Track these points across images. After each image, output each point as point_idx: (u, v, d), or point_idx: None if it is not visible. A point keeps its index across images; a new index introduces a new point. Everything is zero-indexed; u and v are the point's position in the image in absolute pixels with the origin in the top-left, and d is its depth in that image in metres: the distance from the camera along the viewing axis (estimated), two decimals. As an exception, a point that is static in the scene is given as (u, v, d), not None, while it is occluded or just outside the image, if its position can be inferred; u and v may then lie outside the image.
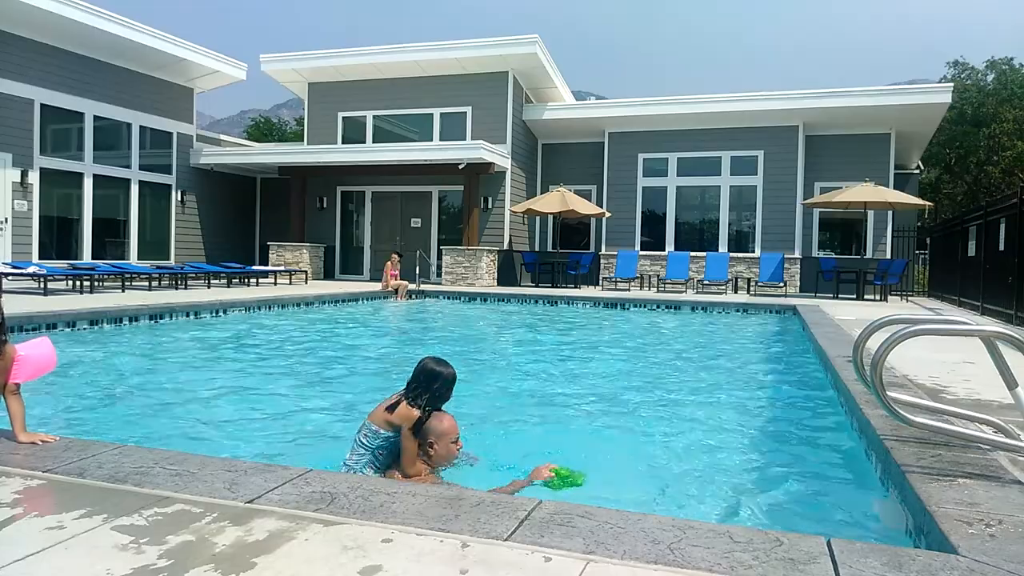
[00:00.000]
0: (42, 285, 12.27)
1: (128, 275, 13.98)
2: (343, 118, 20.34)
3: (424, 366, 3.54)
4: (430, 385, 3.45)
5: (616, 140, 19.63)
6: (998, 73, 34.68)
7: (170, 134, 18.53)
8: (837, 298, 15.99)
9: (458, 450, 3.53)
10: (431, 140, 19.26)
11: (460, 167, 17.81)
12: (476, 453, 3.95)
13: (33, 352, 3.20)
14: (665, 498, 3.67)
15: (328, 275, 20.30)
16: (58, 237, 16.09)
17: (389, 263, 16.05)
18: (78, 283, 13.17)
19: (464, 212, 18.51)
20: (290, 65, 20.02)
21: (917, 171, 23.26)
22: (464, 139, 18.73)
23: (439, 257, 19.19)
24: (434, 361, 3.57)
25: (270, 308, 12.24)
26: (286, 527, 2.21)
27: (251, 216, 22.14)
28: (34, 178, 15.18)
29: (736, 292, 17.56)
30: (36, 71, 15.11)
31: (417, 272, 17.03)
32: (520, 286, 18.41)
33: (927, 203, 17.79)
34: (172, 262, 18.32)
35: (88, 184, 16.45)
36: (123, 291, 13.04)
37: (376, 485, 2.62)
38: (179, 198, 18.89)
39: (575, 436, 4.87)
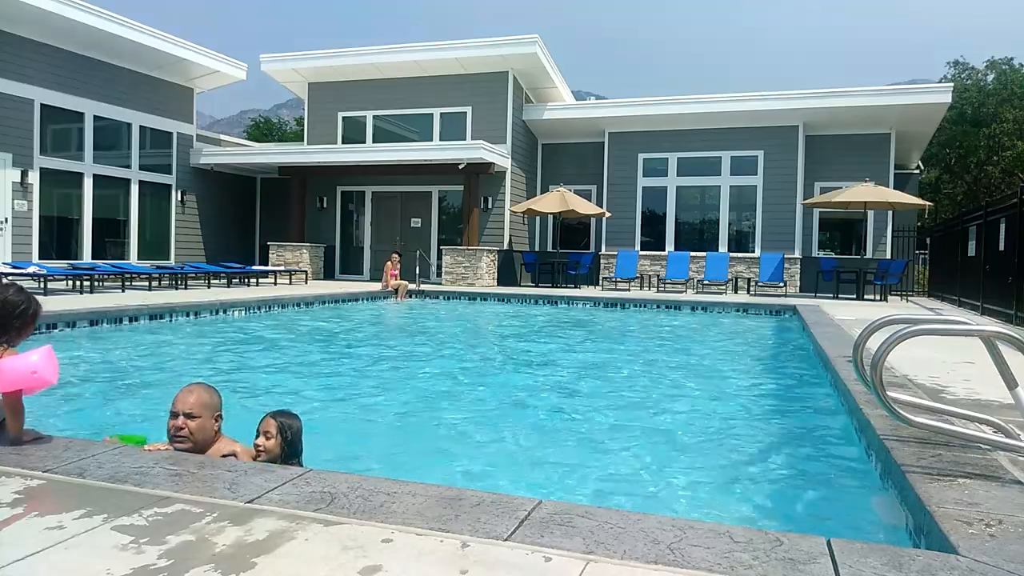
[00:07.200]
0: (42, 285, 12.26)
1: (128, 275, 13.99)
2: (343, 118, 20.34)
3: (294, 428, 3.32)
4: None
5: (616, 140, 19.62)
6: (998, 73, 34.63)
7: (170, 134, 18.53)
8: (837, 298, 15.99)
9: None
10: (431, 140, 19.26)
11: (460, 167, 17.81)
12: (477, 451, 3.94)
13: (10, 364, 2.92)
14: (665, 498, 3.67)
15: (328, 275, 20.30)
16: (58, 237, 16.08)
17: (389, 263, 16.07)
18: (78, 283, 13.17)
19: (464, 212, 18.51)
20: (290, 65, 20.02)
21: (917, 171, 23.25)
22: (464, 139, 18.73)
23: (439, 257, 19.19)
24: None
25: (270, 308, 12.24)
26: (286, 527, 2.21)
27: (251, 216, 22.14)
28: (34, 178, 15.17)
29: (736, 292, 17.56)
30: (36, 71, 15.10)
31: (417, 272, 17.04)
32: (520, 286, 18.40)
33: (927, 203, 17.77)
34: (172, 262, 18.31)
35: (88, 184, 16.44)
36: (123, 291, 13.05)
37: (376, 485, 2.62)
38: (179, 198, 18.88)
39: (574, 435, 4.87)
